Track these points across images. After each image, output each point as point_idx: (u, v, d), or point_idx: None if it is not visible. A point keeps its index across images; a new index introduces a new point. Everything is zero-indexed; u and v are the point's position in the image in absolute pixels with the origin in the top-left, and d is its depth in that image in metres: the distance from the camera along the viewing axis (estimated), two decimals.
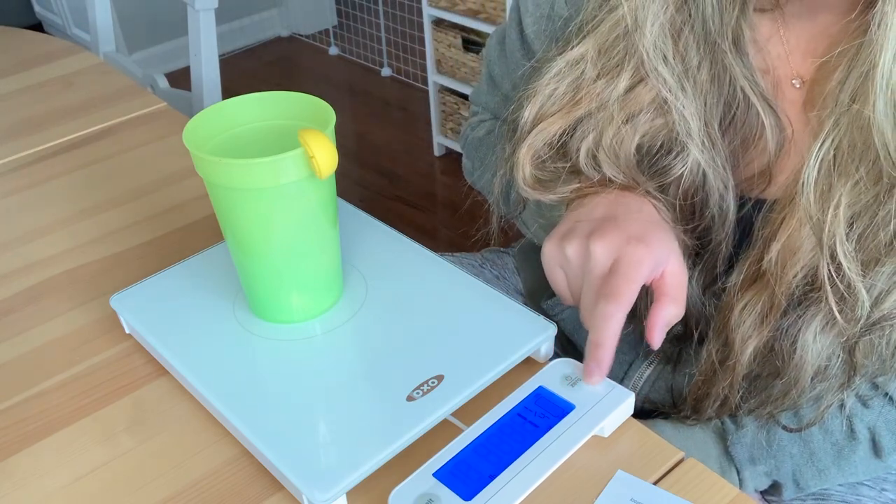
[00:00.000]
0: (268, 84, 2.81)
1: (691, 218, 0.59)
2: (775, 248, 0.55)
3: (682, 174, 0.57)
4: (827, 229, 0.51)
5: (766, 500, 0.66)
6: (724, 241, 0.60)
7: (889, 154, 0.48)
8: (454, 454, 0.51)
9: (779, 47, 0.58)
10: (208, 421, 0.57)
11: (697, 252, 0.61)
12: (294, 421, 0.52)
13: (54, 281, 0.72)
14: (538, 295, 0.81)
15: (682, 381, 0.67)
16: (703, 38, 0.55)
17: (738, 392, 0.60)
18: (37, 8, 3.14)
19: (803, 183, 0.51)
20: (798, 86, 0.58)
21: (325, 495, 0.48)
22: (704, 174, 0.57)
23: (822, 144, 0.51)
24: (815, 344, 0.56)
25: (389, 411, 0.52)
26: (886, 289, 0.52)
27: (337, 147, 0.53)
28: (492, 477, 0.49)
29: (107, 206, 0.81)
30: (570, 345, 0.77)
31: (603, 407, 0.53)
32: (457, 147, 2.27)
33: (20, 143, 0.93)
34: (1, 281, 0.72)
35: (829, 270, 0.52)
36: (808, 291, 0.55)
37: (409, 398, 0.53)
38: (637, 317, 0.62)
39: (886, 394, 0.61)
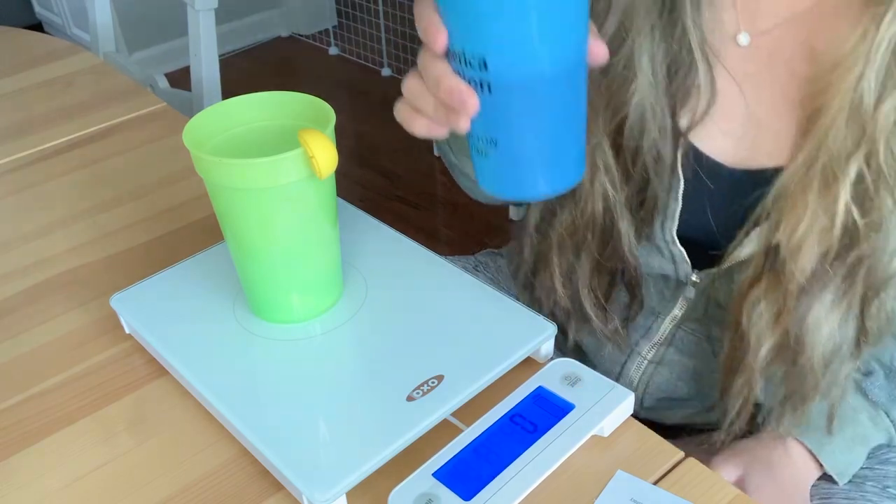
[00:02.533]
0: (268, 84, 2.80)
1: (632, 167, 0.60)
2: (783, 239, 0.55)
3: (628, 111, 0.58)
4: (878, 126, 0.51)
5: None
6: (661, 190, 0.60)
7: None
8: (454, 454, 0.51)
9: (733, 7, 0.59)
10: (208, 421, 0.57)
11: (639, 203, 0.62)
12: (294, 421, 0.52)
13: (54, 281, 0.72)
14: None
15: (686, 362, 0.68)
16: None
17: (758, 386, 0.61)
18: (37, 8, 3.14)
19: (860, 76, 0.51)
20: (745, 43, 0.58)
21: (325, 495, 0.48)
22: (645, 114, 0.58)
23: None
24: (826, 324, 0.57)
25: (389, 411, 0.52)
26: None
27: (337, 147, 0.53)
28: (491, 477, 0.49)
29: (107, 206, 0.81)
30: (567, 344, 0.77)
31: (602, 406, 0.53)
32: None
33: (20, 143, 0.93)
34: (1, 281, 0.72)
35: (880, 162, 0.52)
36: (819, 273, 0.56)
37: (409, 398, 0.53)
38: (640, 304, 0.64)
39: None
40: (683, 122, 0.59)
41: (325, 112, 0.56)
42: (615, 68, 0.58)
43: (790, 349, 0.59)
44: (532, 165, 0.48)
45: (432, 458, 0.51)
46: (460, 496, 0.48)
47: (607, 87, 0.58)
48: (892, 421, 0.64)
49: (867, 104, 0.52)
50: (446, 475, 0.50)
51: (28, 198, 0.84)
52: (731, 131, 0.60)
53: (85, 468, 0.54)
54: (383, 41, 2.81)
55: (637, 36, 0.56)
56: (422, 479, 0.50)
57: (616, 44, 0.57)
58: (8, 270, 0.73)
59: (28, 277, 0.72)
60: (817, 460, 0.63)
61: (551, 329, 0.58)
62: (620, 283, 0.66)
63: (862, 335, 0.58)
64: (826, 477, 0.65)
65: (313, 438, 0.52)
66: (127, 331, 0.64)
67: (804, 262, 0.55)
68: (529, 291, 0.72)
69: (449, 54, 0.46)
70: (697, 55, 0.57)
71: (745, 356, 0.60)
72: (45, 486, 0.54)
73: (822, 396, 0.61)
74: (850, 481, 0.65)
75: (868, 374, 0.65)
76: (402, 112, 0.50)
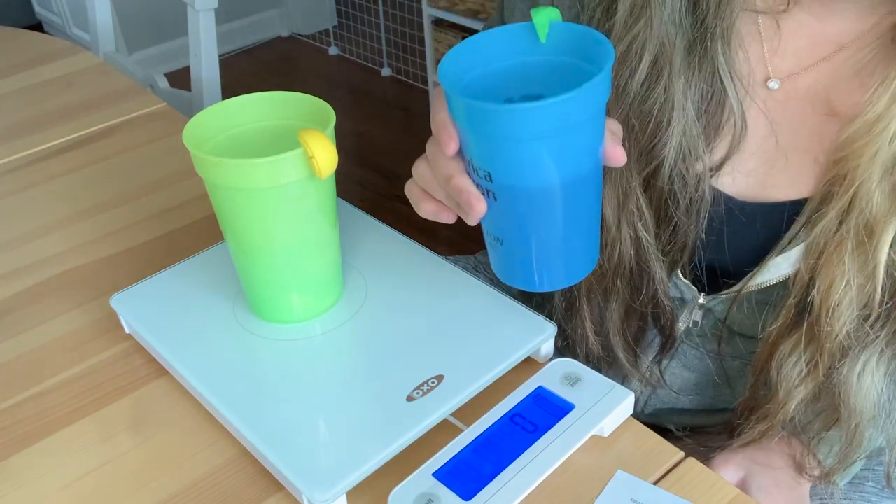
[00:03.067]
0: (268, 84, 2.81)
1: (665, 210, 0.60)
2: (818, 297, 0.55)
3: (665, 154, 0.57)
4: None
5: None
6: (691, 230, 0.60)
7: None
8: (454, 454, 0.51)
9: (759, 47, 0.59)
10: (208, 421, 0.57)
11: (670, 245, 0.61)
12: (294, 421, 0.52)
13: (54, 281, 0.72)
14: (529, 295, 0.81)
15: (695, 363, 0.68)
16: (701, 22, 0.56)
17: (779, 428, 0.61)
18: (37, 8, 3.14)
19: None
20: (776, 87, 0.58)
21: (325, 495, 0.48)
22: (682, 156, 0.57)
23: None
24: (873, 387, 0.56)
25: (389, 411, 0.52)
26: None
27: (337, 147, 0.53)
28: (491, 477, 0.49)
29: (107, 206, 0.81)
30: (567, 346, 0.77)
31: (602, 406, 0.53)
32: None
33: (20, 143, 0.93)
34: (1, 281, 0.72)
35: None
36: (860, 335, 0.55)
37: (409, 398, 0.53)
38: (673, 344, 0.64)
39: None
40: (714, 159, 0.59)
41: (325, 112, 0.56)
42: (650, 113, 0.57)
43: (836, 412, 0.58)
44: (538, 265, 0.49)
45: (432, 458, 0.51)
46: (460, 496, 0.48)
47: (641, 132, 0.58)
48: (893, 423, 0.64)
49: None
50: (446, 475, 0.50)
51: (28, 198, 0.84)
52: (741, 166, 0.60)
53: (85, 468, 0.54)
54: (383, 41, 2.80)
55: (673, 78, 0.56)
56: (422, 479, 0.49)
57: (649, 87, 0.57)
58: (8, 270, 0.73)
59: (28, 277, 0.72)
60: (819, 462, 0.63)
61: (551, 329, 0.58)
62: (652, 326, 0.66)
63: None
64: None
65: (313, 438, 0.52)
66: (127, 331, 0.64)
67: (842, 322, 0.54)
68: (561, 338, 0.71)
69: (461, 152, 0.46)
70: (731, 92, 0.57)
71: (769, 404, 0.60)
72: (45, 486, 0.54)
73: (877, 449, 0.62)
74: (850, 481, 0.66)
75: None
76: (412, 192, 0.51)
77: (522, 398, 0.54)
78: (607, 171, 0.59)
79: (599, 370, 0.69)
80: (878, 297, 0.53)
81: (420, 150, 0.50)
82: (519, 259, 0.49)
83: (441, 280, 0.63)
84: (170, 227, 0.78)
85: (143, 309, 0.62)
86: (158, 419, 0.58)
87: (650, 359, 0.68)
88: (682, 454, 0.52)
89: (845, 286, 0.54)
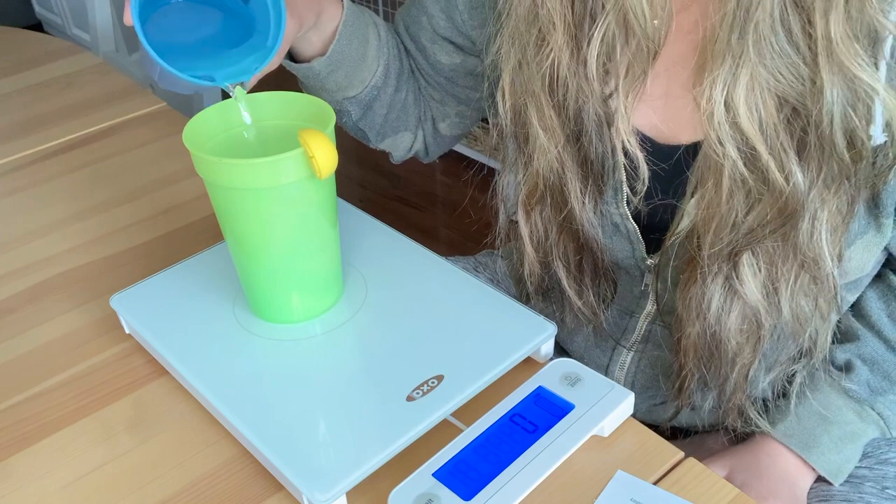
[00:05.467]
0: (268, 84, 2.80)
1: (567, 122, 0.60)
2: (698, 223, 0.56)
3: (549, 65, 0.58)
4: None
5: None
6: (605, 155, 0.60)
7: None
8: (454, 454, 0.51)
9: None
10: (208, 421, 0.57)
11: (583, 164, 0.62)
12: (294, 421, 0.52)
13: (54, 281, 0.72)
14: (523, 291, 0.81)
15: (658, 354, 0.69)
16: None
17: (694, 375, 0.62)
18: (37, 8, 3.14)
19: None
20: (657, 25, 0.59)
21: (325, 495, 0.48)
22: (563, 69, 0.57)
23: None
24: (732, 314, 0.58)
25: (389, 411, 0.52)
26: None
27: (337, 147, 0.53)
28: (491, 477, 0.49)
29: (107, 206, 0.81)
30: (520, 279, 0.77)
31: (602, 406, 0.53)
32: (457, 147, 2.27)
33: (20, 143, 0.93)
34: (1, 281, 0.72)
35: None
36: (715, 257, 0.57)
37: (409, 398, 0.53)
38: (613, 284, 0.66)
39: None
40: (610, 86, 0.58)
41: (326, 112, 0.56)
42: (532, 23, 0.57)
43: (707, 340, 0.60)
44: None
45: (432, 458, 0.51)
46: (460, 496, 0.48)
47: (528, 42, 0.58)
48: (878, 413, 0.64)
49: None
50: (446, 475, 0.50)
51: (28, 198, 0.84)
52: (655, 108, 0.60)
53: (85, 468, 0.54)
54: None
55: None
56: (422, 479, 0.50)
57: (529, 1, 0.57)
58: (8, 270, 0.74)
59: (28, 277, 0.72)
60: (808, 464, 0.64)
61: (551, 329, 0.58)
62: (587, 252, 0.66)
63: (758, 328, 0.59)
64: (824, 479, 0.65)
65: (313, 438, 0.52)
66: (127, 331, 0.64)
67: (706, 242, 0.56)
68: (511, 267, 0.71)
69: None
70: (609, 5, 0.55)
71: (678, 344, 0.61)
72: (45, 486, 0.54)
73: (750, 387, 0.63)
74: (848, 482, 0.65)
75: (848, 370, 0.65)
76: None
77: (522, 398, 0.54)
78: (524, 89, 0.60)
79: (548, 301, 0.70)
80: (728, 218, 0.55)
81: None
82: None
83: (441, 280, 0.63)
84: (170, 227, 0.78)
85: (143, 309, 0.62)
86: (158, 419, 0.58)
87: (595, 298, 0.68)
88: (682, 454, 0.53)
89: (709, 207, 0.55)
